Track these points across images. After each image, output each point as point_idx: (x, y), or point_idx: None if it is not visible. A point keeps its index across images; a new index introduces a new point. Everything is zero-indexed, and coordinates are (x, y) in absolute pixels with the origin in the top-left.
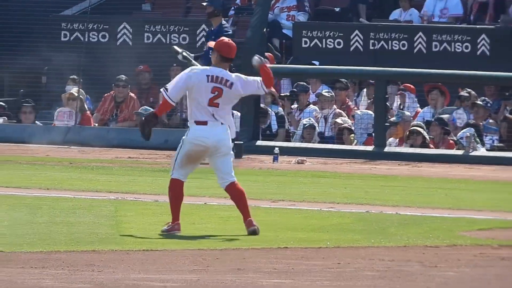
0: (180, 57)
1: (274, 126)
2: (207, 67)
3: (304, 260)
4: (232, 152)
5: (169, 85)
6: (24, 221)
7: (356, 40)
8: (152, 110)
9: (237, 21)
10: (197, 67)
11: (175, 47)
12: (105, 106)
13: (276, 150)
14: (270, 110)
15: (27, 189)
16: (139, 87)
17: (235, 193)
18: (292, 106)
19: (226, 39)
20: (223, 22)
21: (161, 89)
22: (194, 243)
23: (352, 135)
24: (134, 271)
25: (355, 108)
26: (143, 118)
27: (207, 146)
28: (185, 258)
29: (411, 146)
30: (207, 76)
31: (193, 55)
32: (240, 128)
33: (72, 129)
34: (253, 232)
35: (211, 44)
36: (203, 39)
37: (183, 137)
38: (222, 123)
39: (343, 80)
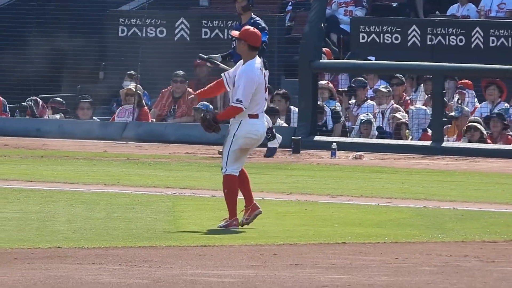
0: (208, 64)
1: (330, 123)
2: (253, 61)
3: (362, 256)
4: None
5: (241, 97)
6: (82, 217)
7: (414, 35)
8: (211, 109)
9: (295, 17)
10: (253, 65)
11: (201, 55)
12: (162, 102)
13: (334, 145)
14: (326, 106)
15: (85, 185)
16: (197, 81)
17: (243, 176)
18: (350, 101)
19: (250, 27)
20: (253, 15)
21: (235, 104)
22: (251, 239)
23: (407, 130)
24: (192, 267)
25: (413, 103)
26: (205, 121)
27: (258, 138)
28: (242, 254)
29: (469, 141)
30: (260, 69)
31: (218, 55)
32: (298, 124)
33: (130, 125)
34: (259, 214)
35: (235, 33)
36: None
37: (234, 132)
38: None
39: (398, 75)
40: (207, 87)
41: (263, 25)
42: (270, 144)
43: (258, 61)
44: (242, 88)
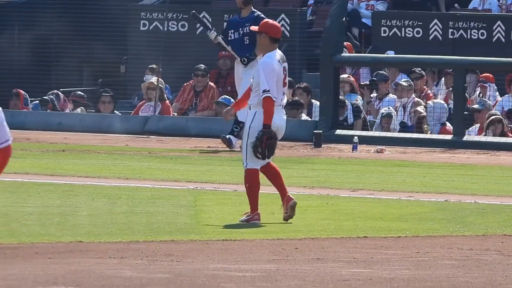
0: (200, 26)
1: (351, 118)
2: (271, 53)
3: (383, 249)
4: None
5: (267, 87)
6: (103, 211)
7: (435, 29)
8: (232, 102)
9: (316, 11)
10: (271, 57)
11: (195, 12)
12: (184, 96)
13: (355, 139)
14: (347, 101)
15: (106, 179)
16: (218, 73)
17: (273, 171)
18: (372, 95)
19: (270, 20)
20: (254, 9)
21: (264, 95)
22: (273, 233)
23: (425, 126)
24: (213, 261)
25: (434, 96)
26: (265, 142)
27: (274, 130)
28: (264, 248)
29: (493, 134)
30: (279, 61)
31: (221, 36)
32: (320, 117)
33: (151, 119)
34: (294, 205)
35: (254, 28)
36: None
37: (250, 124)
38: (282, 106)
39: (416, 69)
40: (240, 97)
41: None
42: (232, 138)
43: (278, 53)
44: (263, 78)
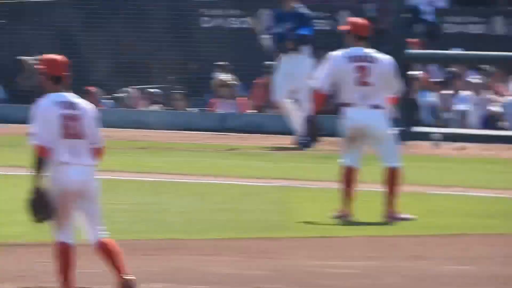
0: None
1: (426, 116)
2: (342, 51)
3: (484, 246)
4: (391, 136)
5: (316, 77)
6: (193, 209)
7: (501, 25)
8: None
9: (380, 8)
10: (340, 52)
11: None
12: (258, 92)
13: (435, 136)
14: (421, 99)
15: (192, 176)
16: None
17: (386, 176)
18: (445, 92)
19: (357, 18)
20: (298, 4)
21: (311, 83)
22: (366, 230)
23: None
24: (310, 258)
25: (508, 93)
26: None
27: (355, 127)
28: (359, 245)
29: None
30: (349, 57)
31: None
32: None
33: (229, 116)
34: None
35: (344, 27)
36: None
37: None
38: (372, 106)
39: (484, 66)
40: None
41: (310, 19)
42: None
43: (359, 50)
44: (320, 70)
